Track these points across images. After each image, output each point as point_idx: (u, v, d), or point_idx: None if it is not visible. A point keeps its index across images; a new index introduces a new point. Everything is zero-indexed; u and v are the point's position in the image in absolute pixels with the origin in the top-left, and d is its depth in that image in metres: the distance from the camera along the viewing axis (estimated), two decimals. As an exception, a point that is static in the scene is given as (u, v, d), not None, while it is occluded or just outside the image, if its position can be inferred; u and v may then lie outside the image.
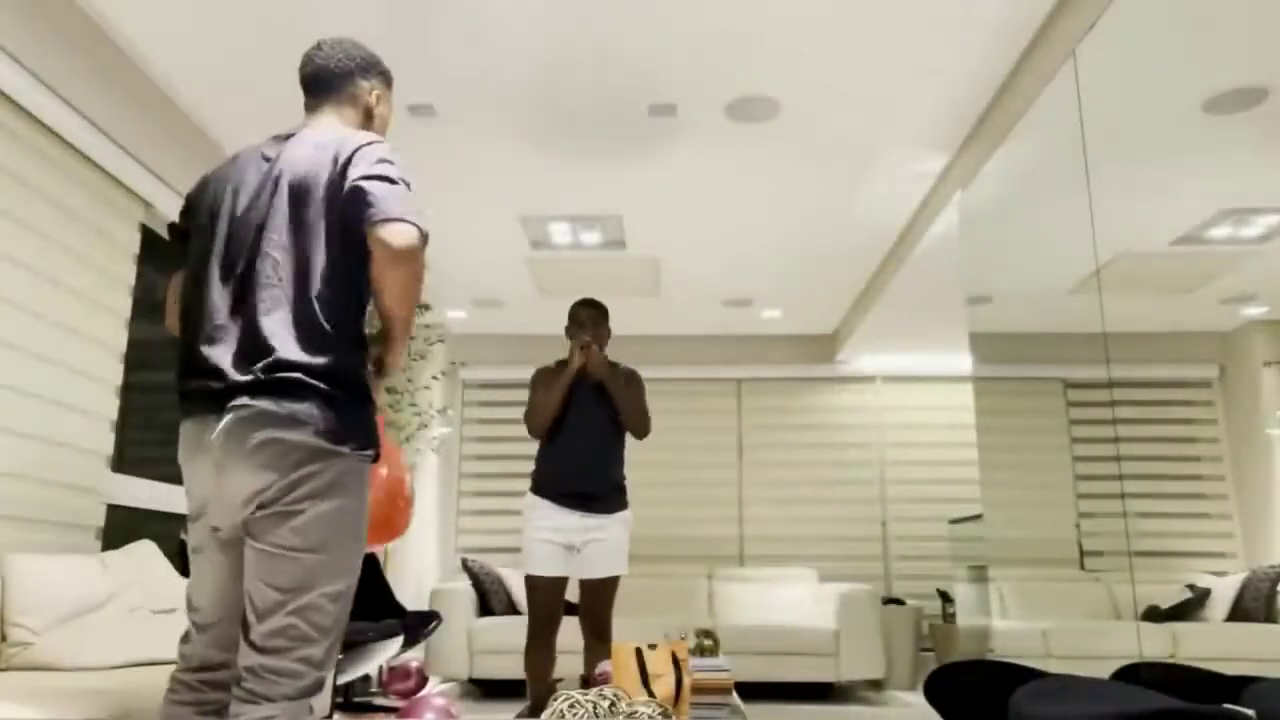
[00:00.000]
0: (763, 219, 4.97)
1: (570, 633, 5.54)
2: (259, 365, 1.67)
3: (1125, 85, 2.75)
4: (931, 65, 3.52)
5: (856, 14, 3.22)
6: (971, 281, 4.09)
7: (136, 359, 3.60)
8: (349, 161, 1.76)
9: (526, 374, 7.09)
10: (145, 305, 3.73)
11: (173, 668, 1.88)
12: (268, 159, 1.88)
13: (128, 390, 3.54)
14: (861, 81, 3.65)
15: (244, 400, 1.66)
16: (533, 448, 6.96)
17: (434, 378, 6.42)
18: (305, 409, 1.66)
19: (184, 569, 3.53)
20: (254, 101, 3.80)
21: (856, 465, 6.97)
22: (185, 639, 1.82)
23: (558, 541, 3.37)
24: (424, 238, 1.72)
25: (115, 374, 3.42)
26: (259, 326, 1.70)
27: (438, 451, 6.46)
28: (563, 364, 3.56)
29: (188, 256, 1.89)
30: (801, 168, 4.38)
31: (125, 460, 3.55)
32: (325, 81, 1.99)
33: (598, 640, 3.40)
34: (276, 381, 1.66)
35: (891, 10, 3.20)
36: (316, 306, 1.72)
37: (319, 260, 1.74)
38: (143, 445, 3.73)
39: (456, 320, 6.79)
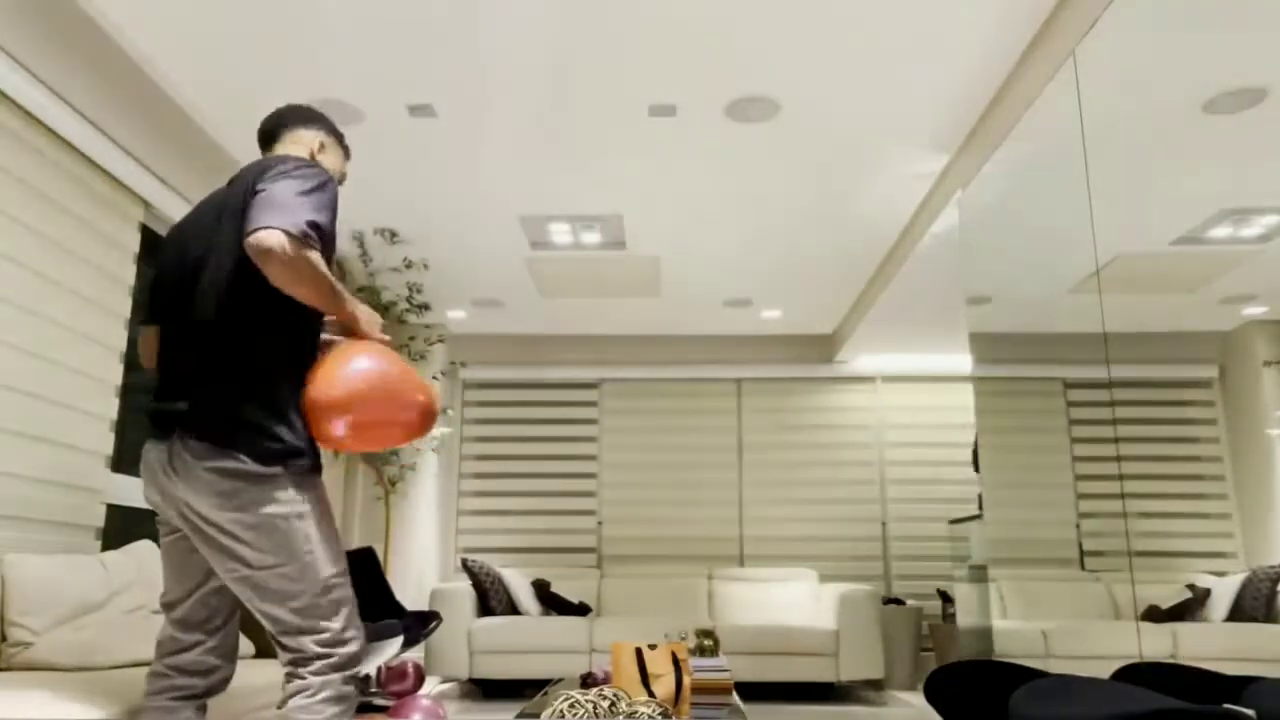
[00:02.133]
0: (763, 219, 4.97)
1: (565, 632, 5.55)
2: (193, 403, 1.88)
3: (1125, 85, 2.75)
4: (931, 65, 3.52)
5: (856, 14, 3.22)
6: (971, 281, 4.09)
7: (136, 359, 3.60)
8: (255, 180, 1.90)
9: (526, 374, 7.11)
10: (145, 305, 3.72)
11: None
12: (212, 199, 2.05)
13: (128, 390, 3.54)
14: (861, 81, 3.65)
15: (184, 433, 1.87)
16: (532, 449, 6.98)
17: (434, 378, 6.42)
18: (238, 439, 1.85)
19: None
20: (254, 103, 3.80)
21: (856, 465, 6.97)
22: (161, 630, 2.03)
23: None
24: (294, 239, 1.80)
25: (115, 374, 3.42)
26: (191, 366, 1.91)
27: (438, 451, 6.46)
28: None
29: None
30: (801, 168, 4.38)
31: (125, 460, 3.55)
32: (271, 131, 2.19)
33: None
34: (208, 415, 1.86)
35: (891, 11, 3.20)
36: (239, 337, 1.89)
37: (238, 285, 1.90)
38: (142, 445, 3.72)
39: (456, 320, 6.79)
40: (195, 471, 1.86)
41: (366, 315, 2.04)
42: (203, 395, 1.88)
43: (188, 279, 1.97)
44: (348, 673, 1.90)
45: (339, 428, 1.90)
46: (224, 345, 1.89)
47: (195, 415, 1.88)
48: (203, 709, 2.01)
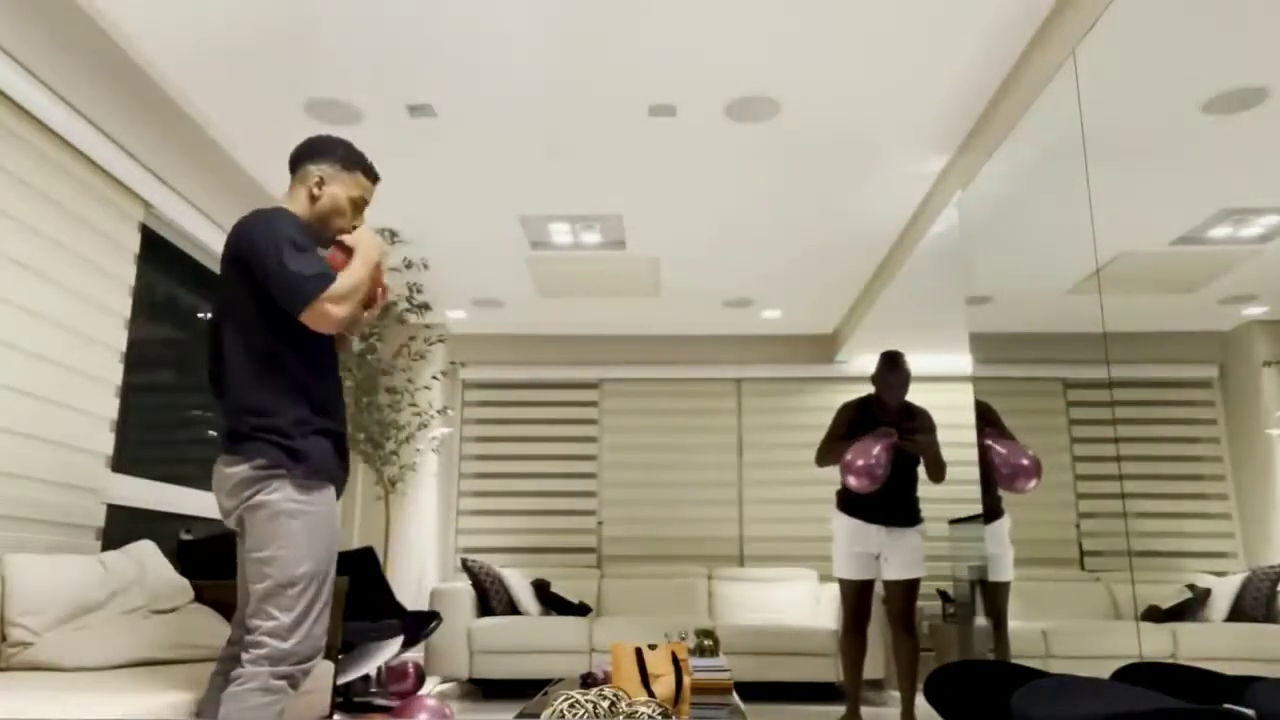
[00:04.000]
0: (763, 219, 4.97)
1: (565, 632, 5.54)
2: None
3: (1125, 85, 2.75)
4: (931, 65, 3.52)
5: (856, 14, 3.22)
6: (971, 281, 4.09)
7: (136, 359, 3.60)
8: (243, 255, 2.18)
9: (526, 374, 7.11)
10: (145, 305, 3.73)
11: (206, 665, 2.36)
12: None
13: (128, 390, 3.53)
14: (861, 81, 3.65)
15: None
16: (532, 449, 6.98)
17: (434, 378, 6.42)
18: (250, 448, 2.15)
19: (184, 569, 3.53)
20: (254, 103, 3.80)
21: (856, 465, 6.95)
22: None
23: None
24: (326, 305, 2.15)
25: (115, 374, 3.42)
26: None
27: (438, 451, 6.46)
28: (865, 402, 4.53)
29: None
30: (801, 168, 4.38)
31: (125, 460, 3.55)
32: (290, 166, 2.38)
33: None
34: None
35: (891, 10, 3.20)
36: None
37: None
38: (143, 445, 3.72)
39: (456, 320, 6.79)
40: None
41: (367, 246, 2.28)
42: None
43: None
44: (272, 668, 2.05)
45: None
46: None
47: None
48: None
